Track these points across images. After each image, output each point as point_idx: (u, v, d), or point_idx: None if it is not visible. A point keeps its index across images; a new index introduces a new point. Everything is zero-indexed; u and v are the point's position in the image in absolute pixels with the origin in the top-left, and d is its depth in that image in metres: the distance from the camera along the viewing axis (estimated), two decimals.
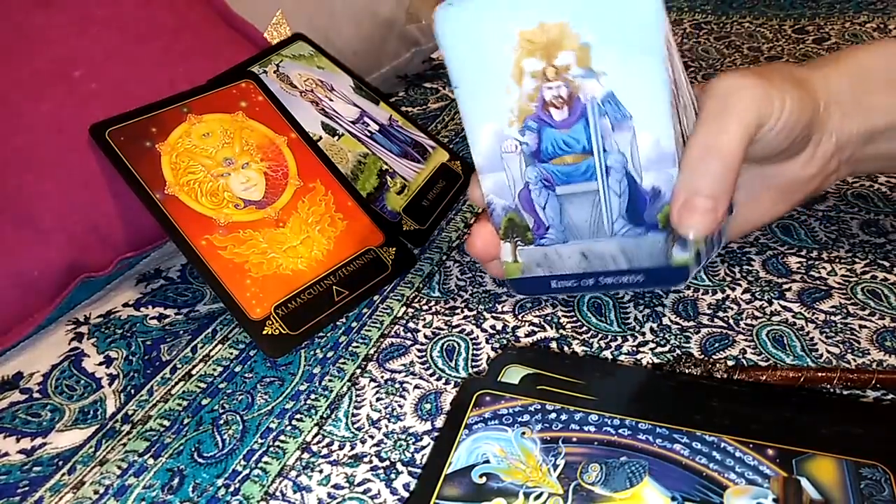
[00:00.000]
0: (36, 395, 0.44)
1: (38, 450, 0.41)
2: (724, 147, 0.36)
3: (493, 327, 0.47)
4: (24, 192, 0.49)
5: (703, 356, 0.43)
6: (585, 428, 0.35)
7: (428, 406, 0.42)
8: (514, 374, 0.39)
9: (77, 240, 0.49)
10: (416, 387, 0.43)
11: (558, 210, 0.40)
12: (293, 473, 0.38)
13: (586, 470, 0.34)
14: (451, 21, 0.35)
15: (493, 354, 0.45)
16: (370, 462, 0.38)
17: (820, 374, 0.39)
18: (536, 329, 0.46)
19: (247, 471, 0.38)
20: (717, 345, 0.44)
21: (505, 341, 0.46)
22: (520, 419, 0.36)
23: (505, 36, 0.35)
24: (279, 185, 0.52)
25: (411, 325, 0.48)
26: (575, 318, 0.47)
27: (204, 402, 0.43)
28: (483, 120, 0.38)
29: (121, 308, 0.51)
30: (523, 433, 0.36)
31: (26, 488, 0.38)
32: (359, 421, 0.41)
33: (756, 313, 0.46)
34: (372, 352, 0.46)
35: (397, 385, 0.43)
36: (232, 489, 0.37)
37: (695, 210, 0.37)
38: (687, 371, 0.41)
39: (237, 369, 0.45)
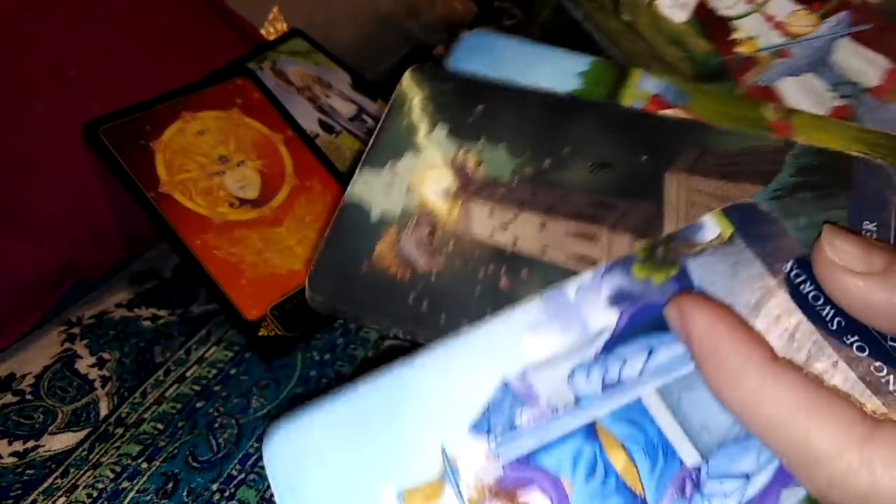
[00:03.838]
0: (28, 396, 0.44)
1: (30, 452, 0.40)
2: None
3: None
4: (18, 192, 0.48)
5: None
6: None
7: None
8: None
9: (70, 241, 0.49)
10: None
11: None
12: None
13: None
14: None
15: None
16: None
17: None
18: None
19: (242, 475, 0.38)
20: None
21: None
22: None
23: None
24: (275, 183, 0.51)
25: None
26: None
27: (198, 404, 0.42)
28: None
29: (114, 309, 0.50)
30: None
31: (19, 491, 0.38)
32: None
33: None
34: (370, 354, 0.45)
35: None
36: (227, 494, 0.37)
37: None
38: None
39: (232, 371, 0.45)
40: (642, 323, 0.19)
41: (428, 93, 0.28)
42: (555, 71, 0.29)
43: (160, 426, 0.41)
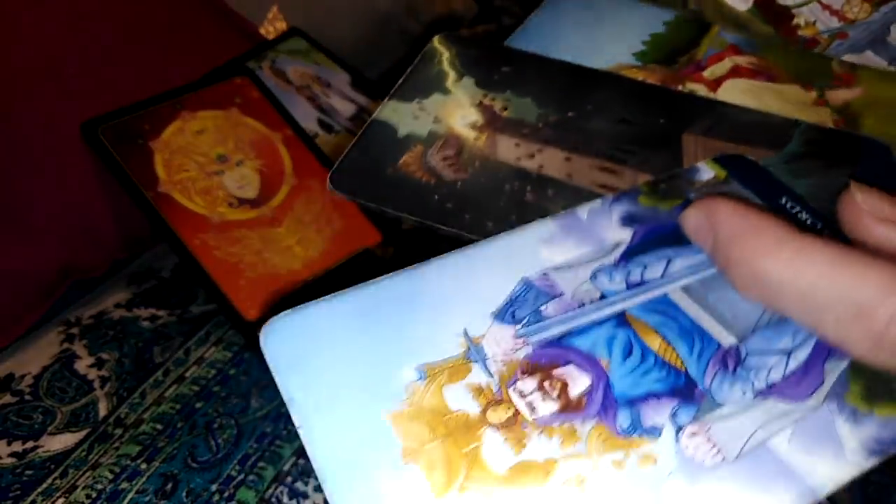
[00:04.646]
0: (27, 397, 0.44)
1: (29, 453, 0.40)
2: None
3: None
4: (16, 191, 0.48)
5: None
6: None
7: None
8: None
9: (69, 240, 0.49)
10: None
11: None
12: (289, 479, 0.38)
13: None
14: None
15: None
16: None
17: None
18: None
19: (242, 476, 0.38)
20: None
21: None
22: None
23: None
24: (274, 182, 0.51)
25: None
26: None
27: (198, 405, 0.42)
28: None
29: (113, 309, 0.50)
30: None
31: (18, 492, 0.38)
32: None
33: None
34: None
35: None
36: (227, 494, 0.37)
37: None
38: None
39: (231, 372, 0.45)
40: (656, 238, 0.20)
41: (455, 52, 0.29)
42: (643, 13, 0.33)
43: (159, 426, 0.41)
